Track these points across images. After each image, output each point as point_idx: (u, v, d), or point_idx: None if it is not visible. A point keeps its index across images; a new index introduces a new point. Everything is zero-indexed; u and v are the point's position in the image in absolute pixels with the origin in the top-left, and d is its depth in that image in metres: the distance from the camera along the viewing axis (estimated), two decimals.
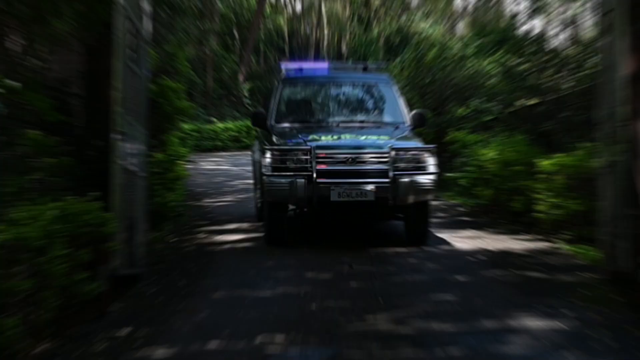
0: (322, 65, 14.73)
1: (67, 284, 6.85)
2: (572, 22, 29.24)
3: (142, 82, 9.60)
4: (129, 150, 8.64)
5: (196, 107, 25.59)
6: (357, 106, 11.91)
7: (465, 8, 38.64)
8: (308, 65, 14.27)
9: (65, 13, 8.50)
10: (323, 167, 9.81)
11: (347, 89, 12.10)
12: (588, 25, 26.60)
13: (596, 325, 7.13)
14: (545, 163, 11.60)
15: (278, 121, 11.51)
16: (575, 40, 22.70)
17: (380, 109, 11.93)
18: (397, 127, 11.28)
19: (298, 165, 9.84)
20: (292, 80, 12.39)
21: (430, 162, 10.11)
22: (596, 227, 9.85)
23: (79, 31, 8.86)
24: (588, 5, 25.99)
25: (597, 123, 9.45)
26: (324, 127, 11.26)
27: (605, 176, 8.91)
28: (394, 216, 11.20)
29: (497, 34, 27.05)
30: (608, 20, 8.69)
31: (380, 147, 10.04)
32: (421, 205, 10.32)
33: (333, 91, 12.08)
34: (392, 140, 10.27)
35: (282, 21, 38.05)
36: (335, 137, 10.65)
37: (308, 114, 11.82)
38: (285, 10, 39.24)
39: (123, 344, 6.78)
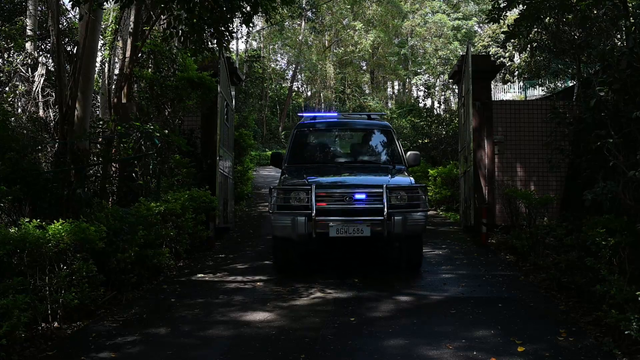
0: (332, 114, 9.12)
1: (193, 232, 6.87)
2: (445, 100, 29.20)
3: (231, 131, 9.52)
4: (224, 165, 8.59)
5: (257, 143, 25.54)
6: (360, 148, 7.25)
7: (392, 93, 38.94)
8: (321, 115, 8.80)
9: (192, 96, 8.50)
10: (322, 205, 5.55)
11: (352, 133, 7.50)
12: (454, 102, 26.58)
13: (457, 252, 7.16)
14: (432, 171, 11.57)
15: (290, 162, 6.74)
16: (447, 109, 22.61)
17: (379, 151, 7.09)
18: (393, 167, 6.53)
19: (299, 203, 5.59)
20: (306, 125, 7.31)
21: (422, 200, 5.71)
22: (457, 203, 9.92)
23: (199, 105, 8.84)
24: (454, 91, 26.04)
25: (458, 151, 9.49)
26: (328, 168, 6.67)
27: (462, 178, 8.91)
28: (389, 246, 6.89)
29: (408, 107, 26.95)
30: (463, 100, 8.69)
31: (376, 186, 5.68)
32: (414, 238, 5.86)
33: (340, 135, 7.42)
34: (388, 179, 5.85)
35: (300, 100, 38.15)
36: (336, 176, 6.34)
37: (317, 155, 7.08)
38: (302, 95, 39.37)
39: (221, 262, 6.80)
